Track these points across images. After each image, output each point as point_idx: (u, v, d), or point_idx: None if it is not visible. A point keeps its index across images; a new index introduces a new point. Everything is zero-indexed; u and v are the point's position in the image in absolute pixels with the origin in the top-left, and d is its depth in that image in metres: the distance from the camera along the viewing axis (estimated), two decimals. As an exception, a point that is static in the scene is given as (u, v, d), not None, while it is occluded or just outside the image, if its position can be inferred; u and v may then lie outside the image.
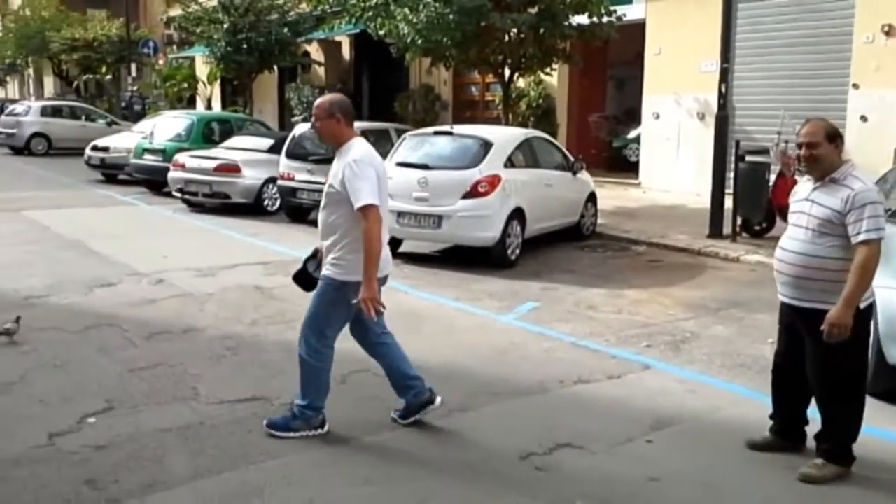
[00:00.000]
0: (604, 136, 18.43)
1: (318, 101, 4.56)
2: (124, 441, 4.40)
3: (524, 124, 14.94)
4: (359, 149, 4.36)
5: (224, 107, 25.63)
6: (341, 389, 5.31)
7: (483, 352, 6.24)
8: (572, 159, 11.04)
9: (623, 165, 17.20)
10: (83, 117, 25.21)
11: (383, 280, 4.48)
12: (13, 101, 32.16)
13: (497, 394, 5.35)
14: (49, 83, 43.48)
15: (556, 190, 10.40)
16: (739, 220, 10.79)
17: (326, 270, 4.43)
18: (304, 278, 4.73)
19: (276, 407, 4.96)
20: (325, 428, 4.56)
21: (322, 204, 4.51)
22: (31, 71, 44.86)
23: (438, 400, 4.76)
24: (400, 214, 9.21)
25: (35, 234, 10.83)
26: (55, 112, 25.24)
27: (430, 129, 10.54)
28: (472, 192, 8.94)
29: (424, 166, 9.28)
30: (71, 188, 16.42)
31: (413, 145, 9.82)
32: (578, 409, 5.15)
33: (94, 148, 17.92)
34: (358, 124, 13.19)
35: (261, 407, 4.97)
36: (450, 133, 9.81)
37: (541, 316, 7.32)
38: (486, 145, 9.32)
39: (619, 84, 19.31)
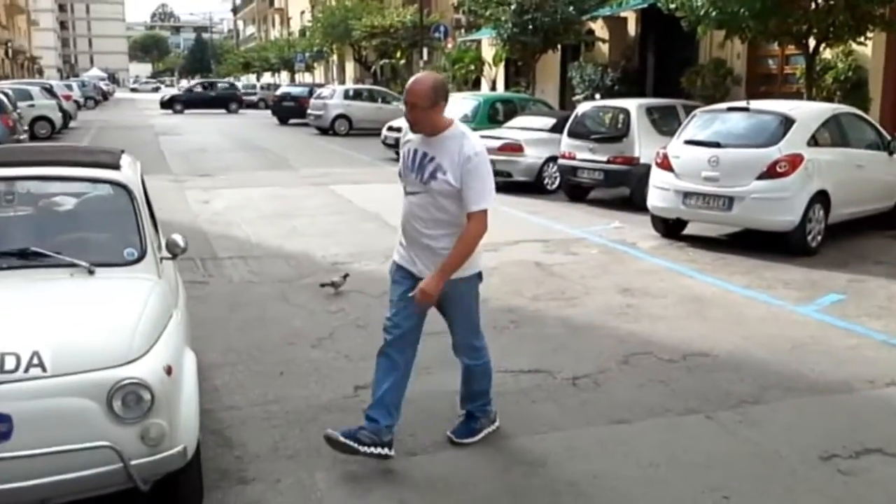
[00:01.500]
0: (926, 112, 16.23)
1: (413, 86, 3.69)
2: (419, 398, 4.66)
3: (829, 99, 13.57)
4: (473, 137, 3.81)
5: (507, 88, 26.24)
6: (623, 370, 5.24)
7: (777, 344, 5.80)
8: (888, 138, 9.85)
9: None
10: (379, 100, 27.29)
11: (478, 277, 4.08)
12: (320, 86, 35.59)
13: (793, 388, 4.95)
14: (350, 68, 47.45)
15: (868, 172, 9.35)
16: None
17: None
18: None
19: (558, 381, 5.01)
20: (497, 421, 4.24)
21: (415, 195, 3.86)
22: (334, 57, 49.22)
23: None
24: (686, 195, 8.84)
25: (340, 207, 11.90)
26: (356, 95, 27.60)
27: (724, 105, 9.94)
28: (770, 173, 8.30)
29: (716, 144, 8.79)
30: (370, 165, 17.80)
31: (704, 122, 9.35)
32: (892, 412, 4.61)
33: (390, 128, 19.26)
34: (642, 101, 12.96)
35: (543, 379, 5.04)
36: (746, 109, 9.18)
37: (846, 310, 6.64)
38: (787, 122, 8.60)
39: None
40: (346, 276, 7.11)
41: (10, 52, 59.24)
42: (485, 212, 3.77)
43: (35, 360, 2.88)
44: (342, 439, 3.75)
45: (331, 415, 4.46)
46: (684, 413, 4.56)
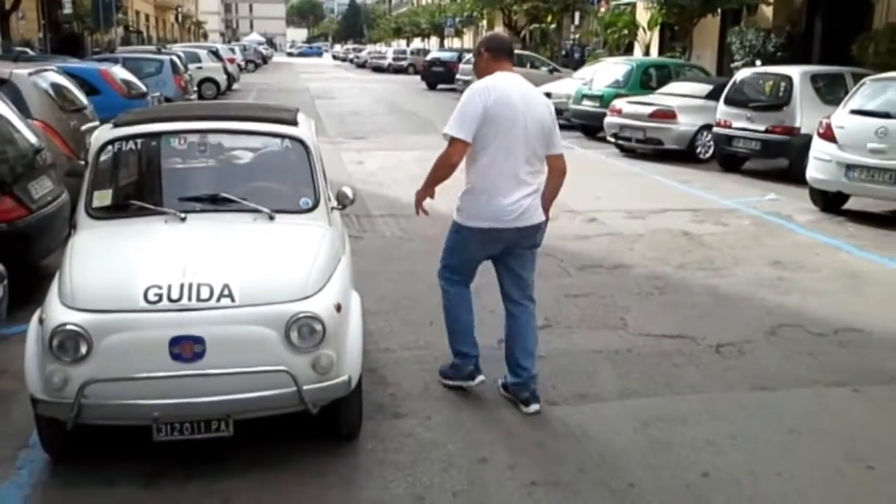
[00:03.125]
0: None
1: (494, 37, 4.39)
2: (560, 355, 4.86)
3: None
4: (479, 81, 3.98)
5: (661, 53, 25.48)
6: (770, 340, 5.20)
7: (939, 324, 5.55)
8: None
9: None
10: (528, 65, 27.12)
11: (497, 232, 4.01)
12: (469, 51, 35.77)
13: (954, 370, 4.76)
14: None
15: None
16: None
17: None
18: None
19: (701, 347, 5.04)
20: (477, 380, 4.26)
21: None
22: (484, 22, 49.28)
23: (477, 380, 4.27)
24: (849, 167, 8.45)
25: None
26: (506, 60, 27.58)
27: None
28: (944, 146, 7.80)
29: (885, 115, 8.31)
30: (516, 130, 17.88)
31: (873, 91, 8.84)
32: None
33: (539, 93, 19.24)
34: (806, 68, 12.31)
35: (686, 345, 5.08)
36: (922, 77, 8.62)
37: None
38: (969, 92, 8.02)
39: None
40: None
41: (179, 17, 63.18)
42: (449, 139, 3.90)
43: (226, 292, 3.27)
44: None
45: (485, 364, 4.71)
46: (831, 385, 4.50)
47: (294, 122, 4.27)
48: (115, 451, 3.56)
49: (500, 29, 45.95)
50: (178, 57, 18.96)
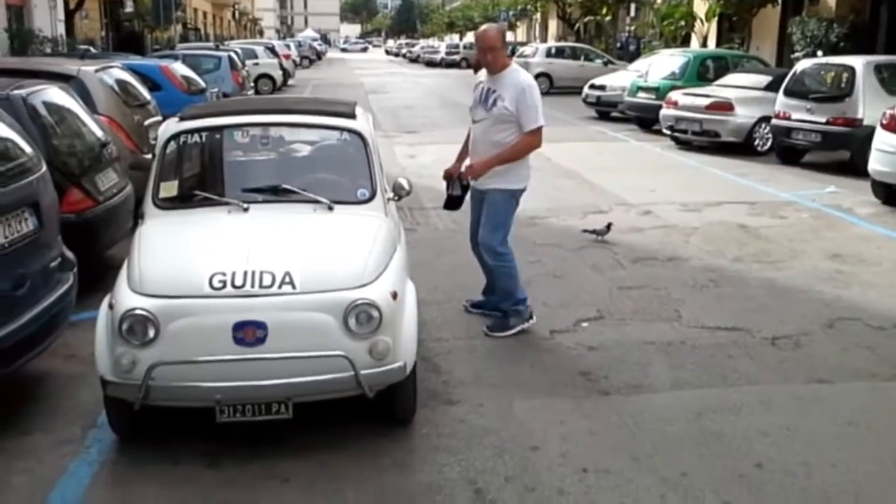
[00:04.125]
0: None
1: (485, 32, 4.80)
2: (613, 346, 4.88)
3: None
4: (526, 75, 4.79)
5: (719, 44, 25.01)
6: (827, 333, 5.13)
7: None
8: None
9: None
10: (582, 58, 26.98)
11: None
12: (522, 44, 35.68)
13: None
14: (552, 26, 47.09)
15: None
16: None
17: (496, 183, 4.79)
18: (452, 203, 5.07)
19: (756, 339, 5.00)
20: (534, 318, 5.05)
21: (482, 120, 4.81)
22: (538, 15, 49.03)
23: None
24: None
25: (539, 164, 11.90)
26: (558, 53, 27.47)
27: (964, 62, 9.08)
28: None
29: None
30: (568, 124, 17.80)
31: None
32: None
33: (592, 87, 19.12)
34: (870, 58, 12.03)
35: (741, 337, 5.04)
36: None
37: None
38: None
39: None
40: (609, 225, 7.48)
41: (236, 13, 64.25)
42: (539, 129, 4.69)
43: (287, 279, 3.38)
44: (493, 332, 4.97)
45: (530, 352, 4.78)
46: (889, 379, 4.44)
47: (353, 116, 4.37)
48: (179, 432, 3.71)
49: (554, 22, 45.71)
50: (236, 53, 19.35)
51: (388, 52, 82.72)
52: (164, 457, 3.56)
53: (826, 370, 4.54)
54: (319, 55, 61.06)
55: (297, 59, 39.75)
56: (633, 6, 31.77)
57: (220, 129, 4.29)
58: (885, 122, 8.73)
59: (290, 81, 29.36)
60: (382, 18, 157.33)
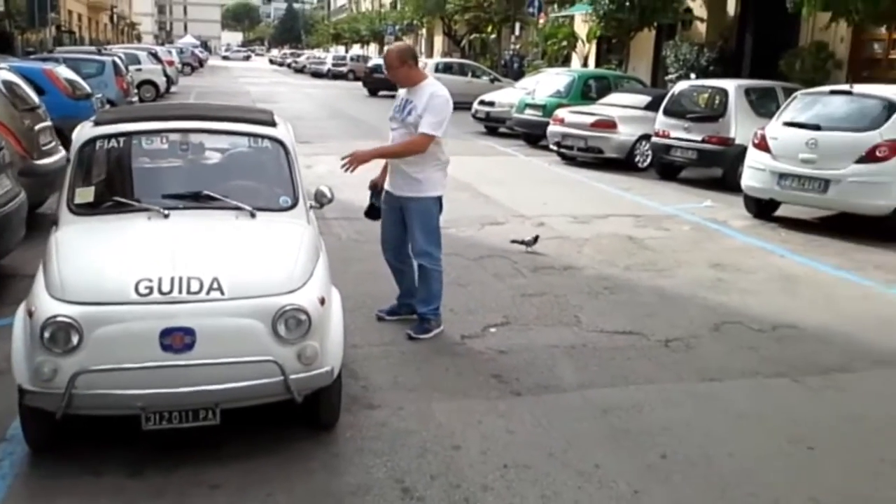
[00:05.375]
0: None
1: (387, 55, 5.14)
2: (520, 350, 5.11)
3: (937, 86, 13.26)
4: (441, 88, 5.04)
5: (598, 65, 26.13)
6: (714, 336, 5.54)
7: (866, 321, 5.98)
8: None
9: None
10: (469, 74, 27.56)
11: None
12: (412, 59, 35.98)
13: (880, 361, 5.18)
14: (438, 42, 47.83)
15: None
16: None
17: (419, 191, 5.03)
18: (375, 212, 5.40)
19: (651, 342, 5.34)
20: (442, 325, 5.31)
21: (397, 129, 5.08)
22: (423, 31, 49.66)
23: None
24: (782, 176, 8.95)
25: (435, 175, 12.31)
26: (446, 69, 27.88)
27: (826, 88, 9.91)
28: (869, 157, 8.31)
29: (815, 127, 8.84)
30: (459, 139, 18.05)
31: (804, 105, 9.38)
32: (978, 389, 4.80)
33: (481, 103, 19.57)
34: (741, 82, 12.89)
35: (637, 340, 5.38)
36: (849, 92, 9.16)
37: (938, 293, 6.75)
38: (891, 107, 8.55)
39: None
40: (536, 237, 7.80)
41: (114, 17, 61.78)
42: (430, 137, 4.91)
43: (215, 285, 3.40)
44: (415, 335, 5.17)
45: (442, 357, 4.93)
46: (772, 376, 4.85)
47: (273, 123, 4.41)
48: (102, 442, 3.64)
49: (440, 38, 46.39)
50: (120, 58, 18.67)
51: (272, 62, 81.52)
52: (85, 468, 3.49)
53: (716, 369, 4.92)
54: (202, 62, 59.52)
55: (180, 66, 38.62)
56: (517, 25, 32.66)
57: (137, 134, 4.24)
58: (756, 141, 9.44)
59: (174, 89, 28.53)
60: (265, 27, 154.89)
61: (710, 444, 3.94)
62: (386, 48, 5.11)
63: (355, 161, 4.95)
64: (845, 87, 9.57)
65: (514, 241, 7.80)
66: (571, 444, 3.89)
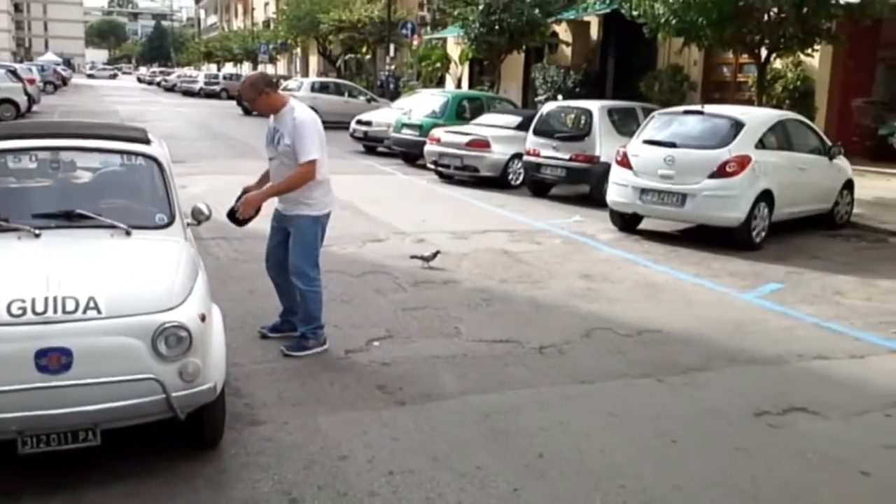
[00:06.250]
0: (868, 122, 17.20)
1: (241, 88, 5.35)
2: (403, 361, 5.24)
3: (779, 107, 14.42)
4: (302, 110, 5.07)
5: (471, 86, 26.86)
6: (585, 342, 5.85)
7: (721, 324, 6.46)
8: (829, 144, 10.65)
9: (888, 155, 15.99)
10: (346, 94, 27.62)
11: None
12: (285, 78, 35.73)
13: (734, 360, 5.61)
14: (314, 61, 47.67)
15: (810, 175, 10.12)
16: None
17: (299, 210, 5.11)
18: (233, 217, 5.32)
19: (526, 349, 5.59)
20: (327, 343, 5.33)
21: (273, 158, 5.17)
22: (298, 50, 49.37)
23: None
24: (643, 191, 9.51)
25: (313, 194, 12.30)
26: (322, 88, 27.87)
27: (680, 109, 10.64)
28: (720, 172, 9.00)
29: (672, 144, 9.46)
30: (338, 157, 18.12)
31: (661, 124, 10.03)
32: (816, 380, 5.30)
33: (359, 122, 19.70)
34: (604, 102, 13.61)
35: (513, 348, 5.61)
36: (700, 112, 9.87)
37: (784, 297, 7.35)
38: (738, 125, 9.31)
39: (890, 67, 17.89)
40: (436, 253, 7.92)
41: (-35, 32, 58.03)
42: (312, 162, 4.97)
43: (91, 304, 3.35)
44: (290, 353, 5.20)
45: (326, 372, 4.99)
46: (639, 377, 5.18)
47: (146, 141, 4.38)
48: (-30, 471, 3.50)
49: (315, 58, 46.22)
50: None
51: (140, 80, 78.61)
52: (-48, 499, 3.35)
53: (587, 372, 5.21)
54: (65, 80, 56.74)
55: (42, 85, 36.72)
56: (391, 46, 33.06)
57: (4, 153, 4.11)
58: (618, 158, 10.00)
59: (36, 108, 27.12)
60: (132, 45, 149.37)
61: (583, 442, 4.19)
62: (242, 79, 5.04)
63: (248, 207, 5.01)
64: (697, 107, 10.31)
65: (413, 257, 7.98)
66: (454, 448, 4.04)
